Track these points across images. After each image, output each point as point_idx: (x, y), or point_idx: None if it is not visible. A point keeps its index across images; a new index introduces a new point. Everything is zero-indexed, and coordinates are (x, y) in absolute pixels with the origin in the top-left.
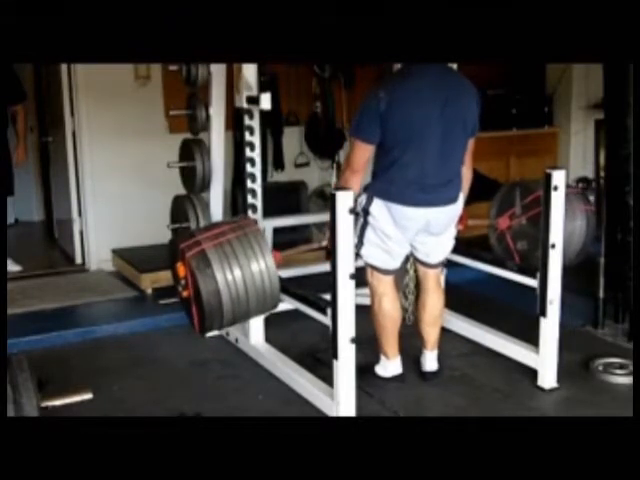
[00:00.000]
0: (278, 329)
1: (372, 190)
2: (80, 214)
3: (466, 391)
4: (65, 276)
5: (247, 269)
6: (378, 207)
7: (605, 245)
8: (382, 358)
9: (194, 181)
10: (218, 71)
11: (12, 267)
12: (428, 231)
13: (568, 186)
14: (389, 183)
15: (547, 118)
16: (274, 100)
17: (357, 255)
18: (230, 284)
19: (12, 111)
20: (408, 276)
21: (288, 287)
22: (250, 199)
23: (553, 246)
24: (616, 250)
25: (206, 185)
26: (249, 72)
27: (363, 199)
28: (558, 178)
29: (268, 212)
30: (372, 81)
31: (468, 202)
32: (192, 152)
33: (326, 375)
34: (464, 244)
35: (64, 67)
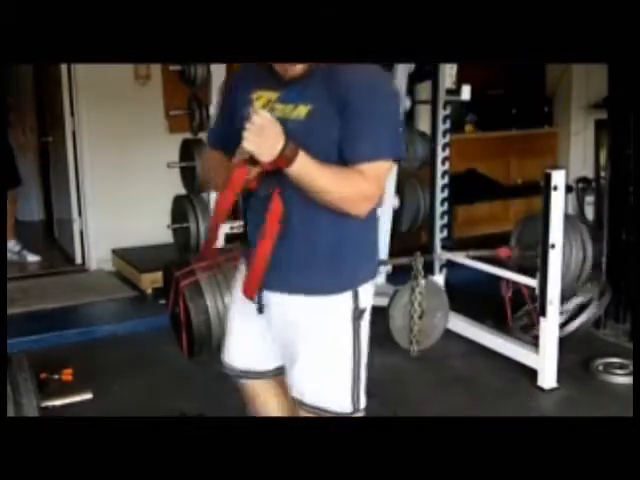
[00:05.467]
0: None
1: (360, 272)
2: (80, 214)
3: (466, 391)
4: (65, 276)
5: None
6: (368, 296)
7: (607, 245)
8: None
9: (194, 181)
10: (218, 71)
11: (31, 258)
12: None
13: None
14: (372, 242)
15: (547, 118)
16: None
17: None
18: (221, 314)
19: None
20: (413, 294)
21: None
22: None
23: (553, 246)
24: (618, 250)
25: None
26: None
27: (348, 298)
28: (558, 178)
29: None
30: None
31: (470, 202)
32: (192, 152)
33: None
34: (464, 244)
35: (64, 67)
